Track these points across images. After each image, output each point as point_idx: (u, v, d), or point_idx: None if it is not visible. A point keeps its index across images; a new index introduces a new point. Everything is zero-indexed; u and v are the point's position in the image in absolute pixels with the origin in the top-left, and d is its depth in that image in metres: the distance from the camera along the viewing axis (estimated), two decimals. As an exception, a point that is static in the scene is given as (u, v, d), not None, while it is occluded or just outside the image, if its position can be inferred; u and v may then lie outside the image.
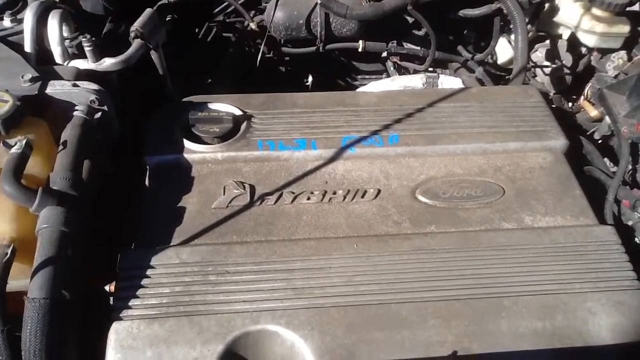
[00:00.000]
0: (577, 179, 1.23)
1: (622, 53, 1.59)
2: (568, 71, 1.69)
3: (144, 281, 0.99)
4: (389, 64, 1.77)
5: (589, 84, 1.60)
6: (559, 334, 0.98)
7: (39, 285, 0.87)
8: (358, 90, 1.65)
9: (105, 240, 1.11)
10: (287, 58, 1.80)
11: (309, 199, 1.16)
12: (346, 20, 1.59)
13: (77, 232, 0.95)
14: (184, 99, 1.32)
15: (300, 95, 1.36)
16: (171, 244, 1.06)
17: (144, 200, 1.14)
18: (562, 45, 1.69)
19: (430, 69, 1.68)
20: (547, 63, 1.73)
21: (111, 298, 1.01)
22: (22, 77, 1.10)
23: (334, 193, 1.17)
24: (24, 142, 0.97)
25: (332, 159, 1.22)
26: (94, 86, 1.13)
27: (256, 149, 1.22)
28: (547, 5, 1.67)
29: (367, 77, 1.84)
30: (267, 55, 1.75)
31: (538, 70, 1.74)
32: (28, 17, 1.21)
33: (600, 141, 1.50)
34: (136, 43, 1.26)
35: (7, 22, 1.26)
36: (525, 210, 1.17)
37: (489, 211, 1.16)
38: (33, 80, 1.10)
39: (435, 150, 1.25)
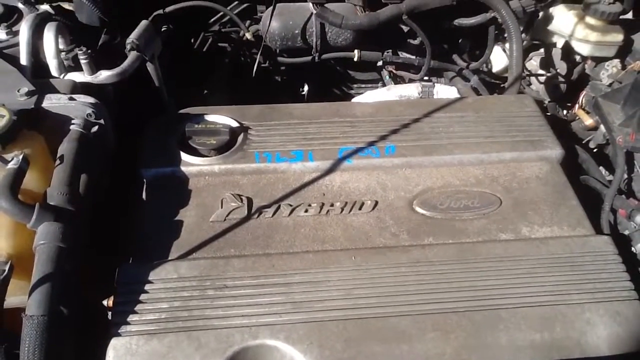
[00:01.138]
0: (573, 188, 1.23)
1: (616, 61, 1.60)
2: (562, 79, 1.70)
3: (142, 296, 0.99)
4: (385, 73, 1.77)
5: (584, 93, 1.61)
6: (557, 346, 0.98)
7: (37, 302, 0.87)
8: (354, 99, 1.65)
9: (107, 253, 1.11)
10: (282, 68, 1.80)
11: (306, 211, 1.15)
12: (341, 30, 1.59)
13: (75, 247, 0.94)
14: (180, 111, 1.31)
15: (297, 106, 1.36)
16: (169, 258, 1.06)
17: (141, 213, 1.13)
18: (556, 53, 1.70)
19: (426, 78, 1.69)
20: (541, 71, 1.74)
21: (109, 313, 1.01)
22: (18, 91, 1.09)
23: (332, 205, 1.17)
24: (20, 157, 0.96)
25: (329, 171, 1.22)
26: (91, 99, 1.13)
27: (253, 161, 1.21)
28: (541, 14, 1.68)
29: (362, 86, 1.84)
30: (262, 65, 1.75)
31: (533, 79, 1.75)
32: (24, 29, 1.21)
33: (595, 150, 1.50)
34: (132, 55, 1.26)
35: (2, 34, 1.26)
36: (522, 220, 1.17)
37: (486, 222, 1.17)
38: (29, 94, 1.10)
39: (432, 161, 1.25)
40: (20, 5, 1.32)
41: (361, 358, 0.95)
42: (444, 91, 1.58)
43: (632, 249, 1.20)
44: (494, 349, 0.97)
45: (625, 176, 1.32)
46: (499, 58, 1.77)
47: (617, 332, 1.01)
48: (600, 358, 0.99)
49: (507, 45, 1.63)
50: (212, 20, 1.75)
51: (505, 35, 1.56)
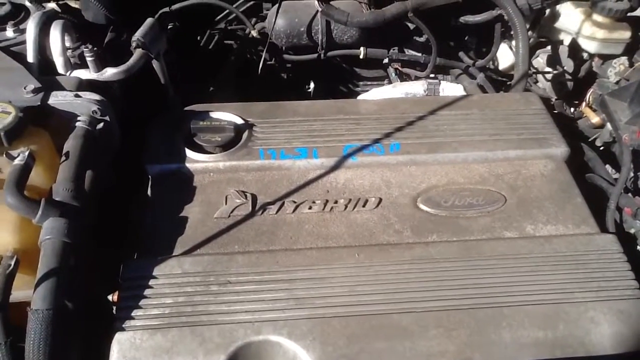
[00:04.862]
0: (578, 186, 1.23)
1: (624, 59, 1.59)
2: (569, 77, 1.69)
3: (147, 291, 1.00)
4: (391, 70, 1.77)
5: (591, 90, 1.60)
6: (561, 344, 0.98)
7: (42, 297, 0.88)
8: (360, 96, 1.65)
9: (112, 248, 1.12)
10: (288, 65, 1.80)
11: (310, 208, 1.16)
12: (347, 27, 1.59)
13: (80, 242, 0.95)
14: (186, 108, 1.32)
15: (302, 104, 1.36)
16: (173, 253, 1.07)
17: (146, 209, 1.14)
18: (563, 51, 1.69)
19: (432, 75, 1.69)
20: (548, 69, 1.73)
21: (114, 308, 1.02)
22: (24, 88, 1.10)
23: (336, 202, 1.17)
24: (26, 153, 0.97)
25: (333, 168, 1.22)
26: (96, 97, 1.13)
27: (258, 158, 1.22)
28: (547, 11, 1.68)
29: (368, 83, 1.84)
30: (268, 63, 1.75)
31: (539, 76, 1.75)
32: (30, 27, 1.22)
33: (602, 148, 1.49)
34: (137, 53, 1.27)
35: (9, 32, 1.26)
36: (527, 218, 1.16)
37: (490, 220, 1.16)
38: (36, 91, 1.10)
39: (436, 158, 1.25)
40: (28, 4, 1.33)
41: (363, 355, 0.95)
42: (450, 89, 1.58)
43: (638, 247, 1.20)
44: (496, 347, 0.97)
45: (632, 174, 1.31)
46: (505, 55, 1.76)
47: (621, 330, 1.00)
48: (604, 356, 0.98)
49: (513, 42, 1.63)
50: (218, 17, 1.75)
51: (512, 32, 1.56)
